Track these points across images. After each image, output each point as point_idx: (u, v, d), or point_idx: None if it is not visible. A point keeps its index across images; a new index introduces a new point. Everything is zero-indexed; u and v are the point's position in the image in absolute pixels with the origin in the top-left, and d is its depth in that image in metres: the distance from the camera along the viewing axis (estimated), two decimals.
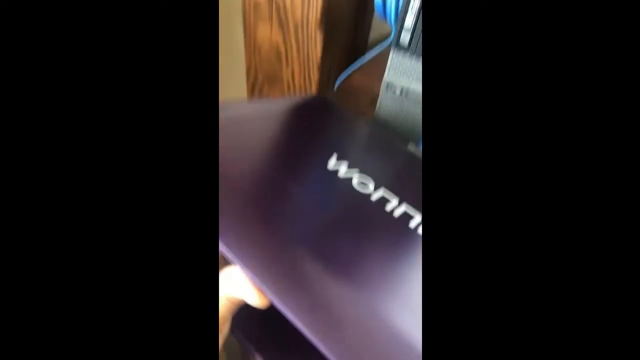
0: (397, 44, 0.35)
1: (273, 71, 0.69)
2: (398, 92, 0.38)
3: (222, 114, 0.32)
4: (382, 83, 0.38)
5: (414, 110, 0.38)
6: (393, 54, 0.36)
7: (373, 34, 0.76)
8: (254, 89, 0.75)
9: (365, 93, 0.53)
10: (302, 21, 0.59)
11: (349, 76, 0.60)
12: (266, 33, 0.64)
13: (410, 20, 0.33)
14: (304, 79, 0.66)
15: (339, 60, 0.69)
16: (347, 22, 0.65)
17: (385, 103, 0.39)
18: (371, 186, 0.29)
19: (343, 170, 0.30)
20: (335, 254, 0.24)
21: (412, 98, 0.38)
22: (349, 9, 0.63)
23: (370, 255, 0.25)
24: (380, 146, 0.35)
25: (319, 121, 0.37)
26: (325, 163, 0.30)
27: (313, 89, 0.67)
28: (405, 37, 0.34)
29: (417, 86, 0.37)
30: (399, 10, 0.38)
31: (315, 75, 0.65)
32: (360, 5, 0.67)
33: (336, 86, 0.53)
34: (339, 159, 0.31)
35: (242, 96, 0.93)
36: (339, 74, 0.72)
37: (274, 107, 0.37)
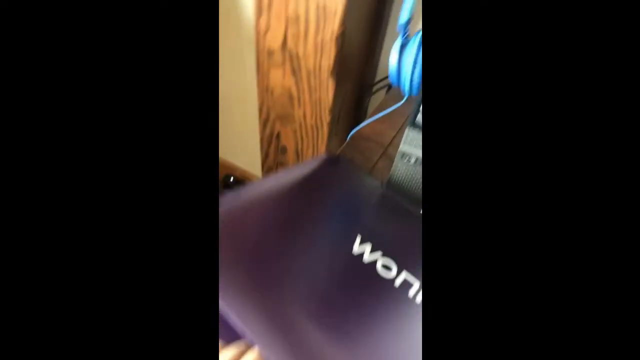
0: (413, 123, 0.37)
1: (285, 111, 0.71)
2: (413, 160, 0.40)
3: (237, 198, 0.35)
4: (398, 152, 0.41)
5: None
6: (409, 131, 0.38)
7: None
8: (266, 125, 0.77)
9: (376, 142, 0.56)
10: (315, 69, 0.61)
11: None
12: (279, 78, 0.66)
13: None
14: (316, 119, 0.69)
15: (349, 101, 0.71)
16: (356, 68, 0.67)
17: (400, 169, 0.42)
18: (394, 269, 0.32)
19: (367, 254, 0.33)
20: (364, 344, 0.26)
21: None
22: (358, 57, 0.66)
23: (396, 344, 0.27)
24: (399, 219, 0.38)
25: (335, 189, 0.39)
26: (351, 246, 0.33)
27: (325, 129, 0.69)
28: (420, 119, 0.36)
29: None
30: (413, 84, 0.40)
31: (326, 117, 0.67)
32: (369, 51, 0.69)
33: (348, 137, 0.55)
34: (362, 241, 0.34)
35: (253, 130, 0.95)
36: (348, 114, 0.74)
37: (287, 180, 0.39)
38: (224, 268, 0.30)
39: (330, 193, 0.39)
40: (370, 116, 0.62)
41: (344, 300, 0.30)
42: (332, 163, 0.44)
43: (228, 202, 0.35)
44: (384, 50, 0.73)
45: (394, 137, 0.57)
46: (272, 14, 0.59)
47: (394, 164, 0.42)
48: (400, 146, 0.40)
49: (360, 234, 0.34)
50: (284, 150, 0.80)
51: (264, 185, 0.38)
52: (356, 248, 0.33)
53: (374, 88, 0.75)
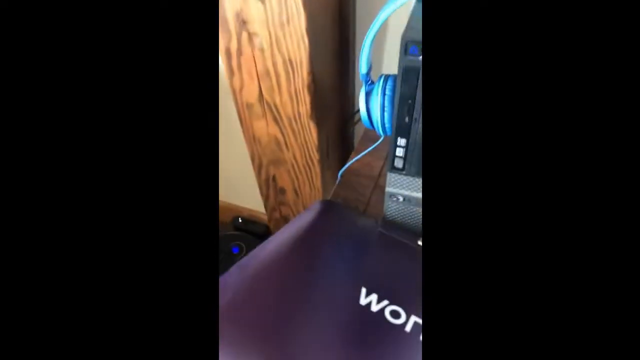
0: (392, 168, 0.39)
1: (275, 156, 0.73)
2: (401, 199, 0.42)
3: (239, 273, 0.37)
4: (385, 194, 0.42)
5: (418, 210, 0.42)
6: (390, 175, 0.40)
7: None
8: (261, 171, 0.79)
9: (366, 176, 0.57)
10: (295, 115, 0.63)
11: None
12: (262, 127, 0.69)
13: (401, 151, 0.37)
14: (306, 159, 0.71)
15: (334, 136, 0.73)
16: (334, 106, 0.69)
17: (391, 208, 0.43)
18: (403, 315, 0.33)
19: (374, 304, 0.34)
20: None
21: (414, 202, 0.42)
22: (333, 96, 0.67)
23: None
24: (399, 259, 0.39)
25: (334, 242, 0.41)
26: (357, 299, 0.34)
27: (316, 166, 0.71)
28: (398, 163, 0.38)
29: (417, 194, 0.40)
30: (385, 127, 0.42)
31: (315, 156, 0.69)
32: (343, 87, 0.71)
33: (339, 176, 0.57)
34: (368, 293, 0.35)
35: (252, 172, 0.98)
36: (336, 147, 0.76)
37: (285, 241, 0.40)
38: (232, 354, 0.31)
39: (329, 247, 0.40)
40: (358, 145, 0.64)
41: (360, 354, 0.31)
42: (327, 210, 0.45)
43: (230, 280, 0.36)
44: (357, 80, 0.74)
45: (382, 166, 0.58)
46: (244, 72, 0.61)
47: (385, 203, 0.44)
48: (386, 188, 0.42)
49: (365, 286, 0.35)
50: (282, 191, 0.82)
51: (263, 252, 0.40)
52: (363, 300, 0.34)
53: (356, 117, 0.77)
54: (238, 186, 1.19)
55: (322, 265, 0.38)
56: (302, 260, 0.39)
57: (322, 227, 0.43)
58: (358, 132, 0.83)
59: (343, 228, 0.43)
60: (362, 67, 0.41)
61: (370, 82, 0.43)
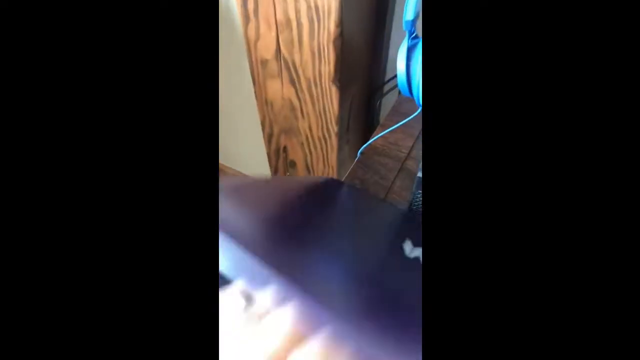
0: None
1: (288, 124, 0.65)
2: None
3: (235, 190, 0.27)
4: (415, 180, 0.34)
5: None
6: None
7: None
8: (271, 140, 0.71)
9: (390, 156, 0.48)
10: (315, 77, 0.54)
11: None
12: (277, 89, 0.60)
13: None
14: (322, 130, 0.62)
15: (357, 107, 0.63)
16: (361, 70, 0.59)
17: (420, 198, 0.34)
18: None
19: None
20: None
21: None
22: (362, 57, 0.58)
23: None
24: None
25: (347, 215, 0.32)
26: (401, 246, 0.26)
27: (333, 140, 0.62)
28: None
29: None
30: None
31: (334, 127, 0.60)
32: (374, 49, 0.61)
33: (358, 154, 0.48)
34: (415, 245, 0.27)
35: (261, 142, 0.90)
36: (358, 120, 0.67)
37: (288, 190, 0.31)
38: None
39: (352, 205, 0.32)
40: (385, 120, 0.55)
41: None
42: (334, 188, 0.37)
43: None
44: (392, 44, 0.64)
45: (412, 147, 0.49)
46: (261, 19, 0.52)
47: (414, 191, 0.35)
48: (419, 172, 0.33)
49: (410, 238, 0.27)
50: (292, 164, 0.74)
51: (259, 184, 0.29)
52: (409, 252, 0.26)
53: (385, 88, 0.67)
54: (249, 154, 1.12)
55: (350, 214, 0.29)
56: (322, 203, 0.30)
57: (331, 201, 0.34)
58: (386, 107, 0.73)
59: (356, 207, 0.35)
60: (407, 13, 0.31)
61: (414, 34, 0.33)
